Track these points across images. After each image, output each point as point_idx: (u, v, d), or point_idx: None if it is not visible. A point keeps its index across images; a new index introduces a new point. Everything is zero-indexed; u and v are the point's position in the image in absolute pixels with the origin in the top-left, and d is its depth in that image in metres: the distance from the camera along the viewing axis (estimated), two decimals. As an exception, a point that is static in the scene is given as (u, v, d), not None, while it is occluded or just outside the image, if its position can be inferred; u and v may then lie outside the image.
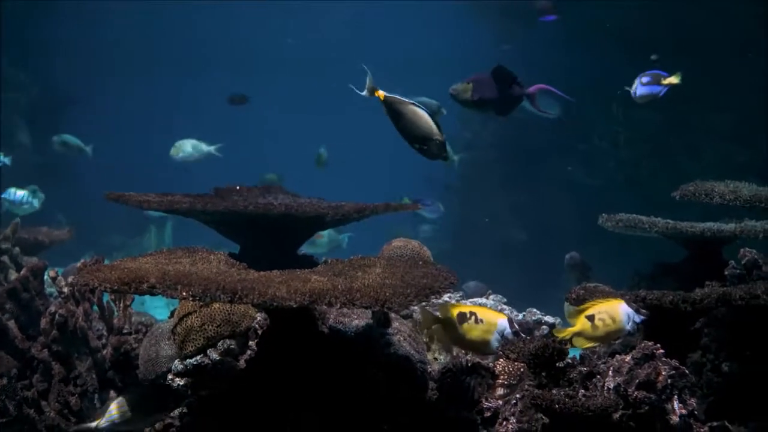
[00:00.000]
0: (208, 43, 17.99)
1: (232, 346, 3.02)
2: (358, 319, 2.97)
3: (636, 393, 2.43)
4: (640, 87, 4.79)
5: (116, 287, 2.39)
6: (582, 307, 2.74)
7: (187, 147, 8.22)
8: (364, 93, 3.20)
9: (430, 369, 3.01)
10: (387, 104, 3.22)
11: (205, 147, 8.23)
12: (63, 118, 14.75)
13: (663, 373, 2.46)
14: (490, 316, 2.69)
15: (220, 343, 3.02)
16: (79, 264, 3.79)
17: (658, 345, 2.53)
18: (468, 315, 2.70)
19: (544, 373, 2.64)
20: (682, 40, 8.80)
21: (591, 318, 2.68)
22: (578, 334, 2.71)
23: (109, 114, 18.20)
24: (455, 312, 2.72)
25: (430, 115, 3.20)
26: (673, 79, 4.69)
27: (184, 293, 2.31)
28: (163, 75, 18.69)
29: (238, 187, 4.07)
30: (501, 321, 2.65)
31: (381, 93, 3.19)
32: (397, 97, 3.21)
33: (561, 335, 2.74)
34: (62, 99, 15.07)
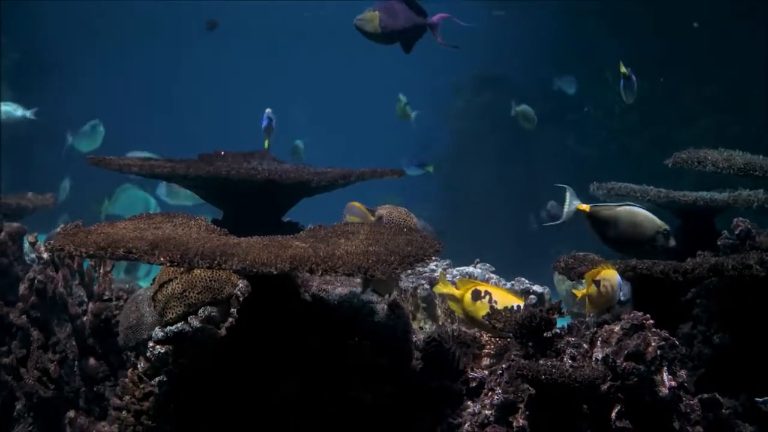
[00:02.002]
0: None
1: (214, 314, 2.96)
2: (342, 287, 2.91)
3: (624, 364, 2.37)
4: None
5: (92, 252, 2.33)
6: (593, 271, 2.71)
7: None
8: (569, 213, 3.04)
9: (415, 338, 2.96)
10: (595, 217, 3.07)
11: (20, 111, 8.01)
12: (47, 82, 14.63)
13: (652, 344, 2.40)
14: (505, 299, 2.69)
15: (201, 311, 2.96)
16: (58, 229, 3.73)
17: (648, 315, 2.47)
18: (482, 294, 2.72)
19: (531, 343, 2.58)
20: (676, 7, 8.74)
21: (597, 283, 2.65)
22: (586, 297, 2.71)
23: (98, 80, 18.06)
24: (470, 289, 2.74)
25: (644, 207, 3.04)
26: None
27: (161, 258, 2.25)
28: (164, 44, 18.54)
29: (222, 152, 4.00)
30: (517, 305, 2.62)
31: (584, 206, 3.05)
32: (603, 205, 3.06)
33: (579, 294, 2.75)
34: (46, 63, 14.92)
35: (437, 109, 11.97)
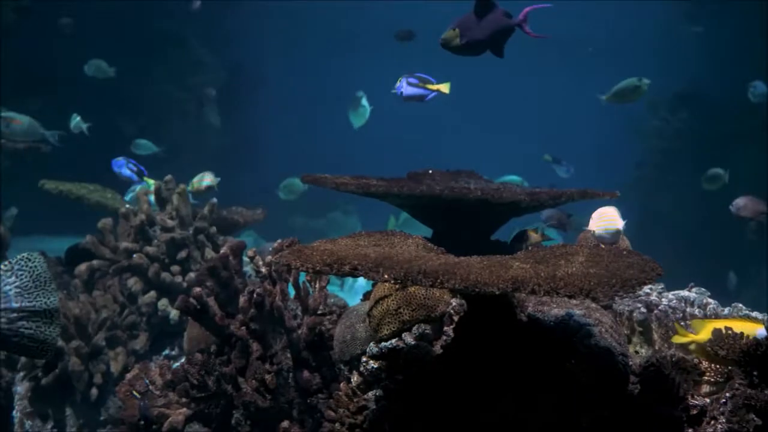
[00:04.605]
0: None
1: (427, 331, 3.00)
2: (558, 308, 2.88)
3: None
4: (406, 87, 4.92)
5: (318, 268, 2.40)
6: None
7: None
8: None
9: (631, 362, 2.89)
10: None
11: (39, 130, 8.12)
12: (251, 100, 15.28)
13: None
14: (747, 328, 2.60)
15: (415, 328, 3.01)
16: (275, 244, 3.87)
17: None
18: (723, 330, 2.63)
19: (756, 373, 2.48)
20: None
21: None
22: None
23: (293, 95, 18.69)
24: (710, 328, 2.66)
25: None
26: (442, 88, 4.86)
27: (385, 275, 2.29)
28: (359, 56, 18.95)
29: (430, 171, 4.05)
30: (760, 330, 2.54)
31: None
32: None
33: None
34: (250, 81, 15.56)
35: (631, 128, 11.73)
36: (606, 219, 3.65)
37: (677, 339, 2.78)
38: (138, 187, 7.08)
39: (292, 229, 13.40)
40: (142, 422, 3.76)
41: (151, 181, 7.01)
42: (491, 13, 4.00)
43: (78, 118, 9.08)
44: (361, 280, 9.57)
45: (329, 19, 19.03)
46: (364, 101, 8.19)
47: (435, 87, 4.91)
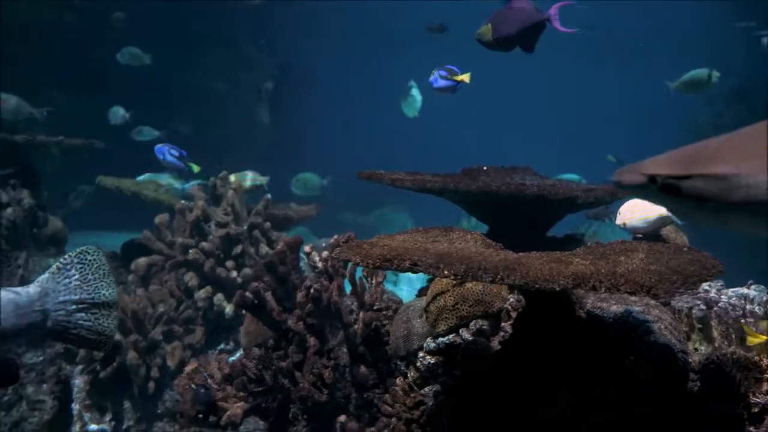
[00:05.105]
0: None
1: (485, 327, 3.00)
2: (617, 305, 2.87)
3: None
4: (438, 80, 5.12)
5: (378, 264, 2.41)
6: None
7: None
8: None
9: (690, 360, 2.87)
10: None
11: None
12: (299, 97, 15.36)
13: None
14: None
15: (472, 323, 3.02)
16: (331, 240, 3.90)
17: None
18: None
19: (820, 371, 2.46)
20: None
21: None
22: None
23: (340, 93, 18.73)
24: None
25: None
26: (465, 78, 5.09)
27: (446, 271, 2.30)
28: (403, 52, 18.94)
29: (485, 168, 4.04)
30: None
31: None
32: None
33: None
34: (299, 79, 15.64)
35: (685, 122, 11.61)
36: (641, 210, 3.64)
37: (751, 340, 2.75)
38: (194, 183, 7.18)
39: (342, 224, 13.42)
40: (202, 409, 3.81)
41: (195, 165, 7.10)
42: (523, 8, 4.02)
43: (122, 111, 9.22)
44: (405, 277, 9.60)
45: (377, 18, 19.06)
46: (414, 91, 8.19)
47: (459, 77, 5.09)
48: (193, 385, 3.90)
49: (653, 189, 1.91)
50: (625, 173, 1.94)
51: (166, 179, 7.97)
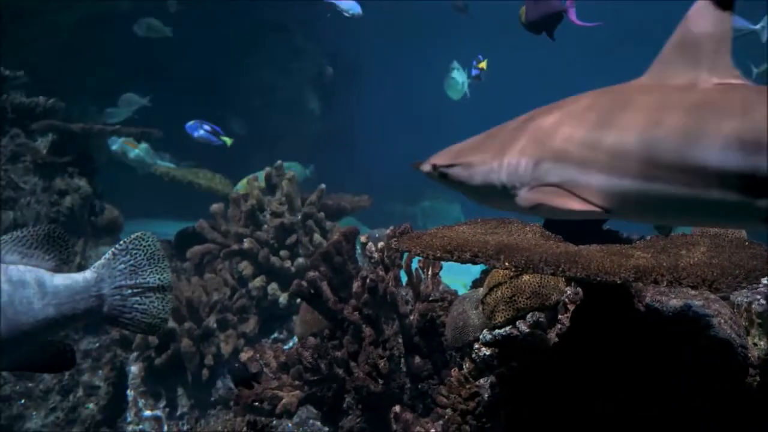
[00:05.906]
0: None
1: (542, 319, 3.00)
2: (676, 299, 2.85)
3: None
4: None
5: (439, 254, 2.42)
6: None
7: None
8: None
9: (749, 354, 2.84)
10: None
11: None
12: (347, 88, 15.36)
13: None
14: None
15: (529, 316, 3.01)
16: (387, 231, 3.91)
17: None
18: None
19: None
20: None
21: None
22: None
23: (387, 83, 18.70)
24: None
25: None
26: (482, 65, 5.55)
27: (506, 263, 2.30)
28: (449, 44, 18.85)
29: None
30: None
31: None
32: None
33: None
34: (348, 69, 15.64)
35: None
36: None
37: None
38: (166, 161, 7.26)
39: (391, 215, 13.44)
40: (238, 382, 3.85)
41: (228, 139, 7.15)
42: None
43: (136, 97, 9.29)
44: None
45: (426, 9, 18.98)
46: (455, 72, 8.14)
47: (481, 65, 5.51)
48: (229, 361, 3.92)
49: (435, 175, 2.54)
50: (424, 163, 2.56)
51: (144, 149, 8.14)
